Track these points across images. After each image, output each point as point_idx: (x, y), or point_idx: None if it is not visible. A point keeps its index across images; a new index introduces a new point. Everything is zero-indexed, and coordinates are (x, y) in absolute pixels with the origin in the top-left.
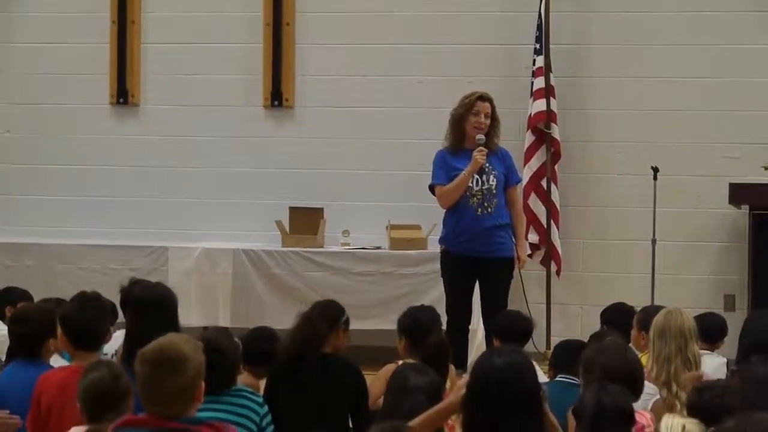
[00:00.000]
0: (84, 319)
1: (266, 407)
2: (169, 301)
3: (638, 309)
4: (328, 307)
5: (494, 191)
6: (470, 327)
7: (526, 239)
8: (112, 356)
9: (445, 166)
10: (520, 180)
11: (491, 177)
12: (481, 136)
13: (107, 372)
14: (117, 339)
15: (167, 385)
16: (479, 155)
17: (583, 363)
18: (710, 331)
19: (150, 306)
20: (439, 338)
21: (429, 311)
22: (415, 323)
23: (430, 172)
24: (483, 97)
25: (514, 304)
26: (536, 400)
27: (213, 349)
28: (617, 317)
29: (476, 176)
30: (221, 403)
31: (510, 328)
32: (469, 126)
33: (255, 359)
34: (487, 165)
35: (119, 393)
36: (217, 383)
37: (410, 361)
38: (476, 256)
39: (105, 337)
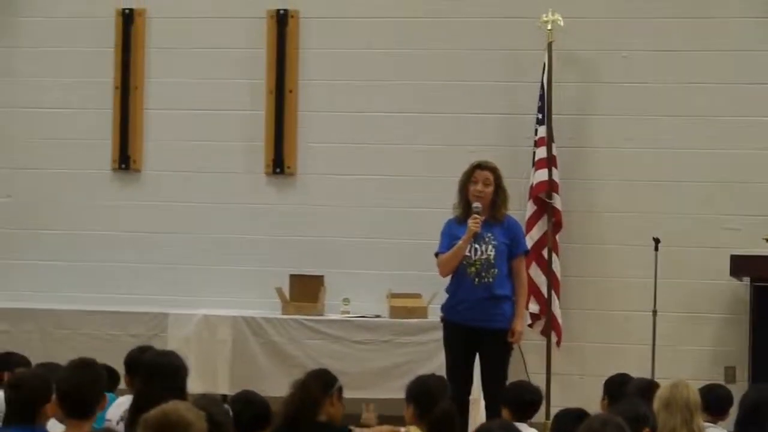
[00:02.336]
0: (78, 387)
1: None
2: (180, 369)
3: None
4: (319, 375)
5: (492, 261)
6: (472, 397)
7: (527, 309)
8: (118, 422)
9: (449, 235)
10: (525, 251)
11: (490, 247)
12: (477, 205)
13: None
14: (121, 405)
15: None
16: (472, 223)
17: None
18: (716, 402)
19: (160, 373)
20: (447, 407)
21: (438, 379)
22: (424, 390)
23: (431, 241)
24: (481, 166)
25: (513, 374)
26: None
27: (209, 420)
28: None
29: (475, 246)
30: None
31: (519, 399)
32: (470, 195)
33: (246, 426)
34: (489, 235)
35: None
36: None
37: (413, 428)
38: (474, 326)
39: (99, 405)
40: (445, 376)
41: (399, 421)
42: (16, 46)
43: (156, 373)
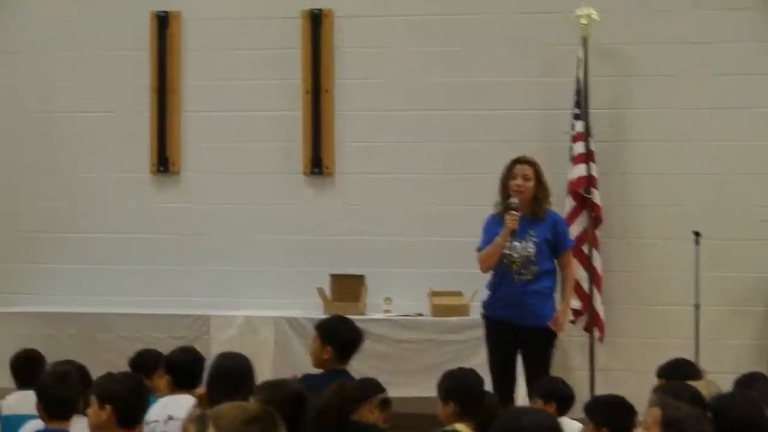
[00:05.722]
0: (60, 392)
1: None
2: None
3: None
4: (365, 380)
5: (533, 258)
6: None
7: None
8: (166, 422)
9: (489, 231)
10: (571, 244)
11: (530, 244)
12: (514, 200)
13: None
14: (166, 405)
15: None
16: (509, 220)
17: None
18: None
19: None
20: (494, 401)
21: (473, 373)
22: (465, 386)
23: (471, 239)
24: (520, 160)
25: (556, 370)
26: None
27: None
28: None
29: (516, 242)
30: None
31: (553, 392)
32: (510, 190)
33: None
34: (530, 231)
35: None
36: None
37: (460, 426)
38: (514, 323)
39: (77, 408)
40: (489, 374)
41: (437, 419)
42: (54, 52)
43: (225, 376)
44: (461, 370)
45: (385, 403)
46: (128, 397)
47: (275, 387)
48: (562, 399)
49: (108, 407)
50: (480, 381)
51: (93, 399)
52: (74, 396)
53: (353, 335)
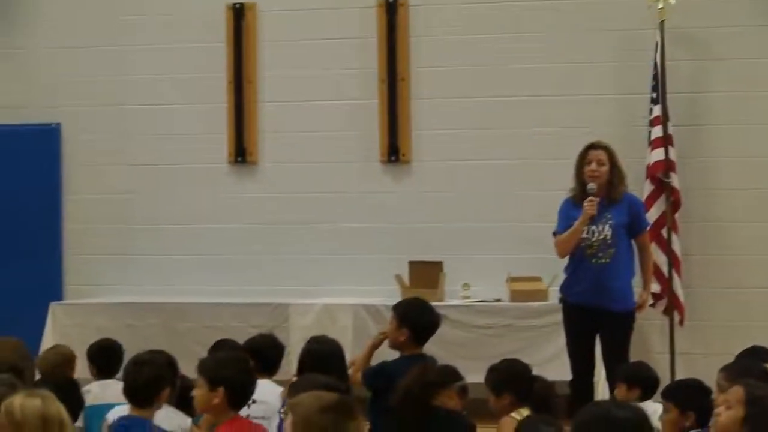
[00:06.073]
0: (139, 381)
1: None
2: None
3: None
4: (444, 367)
5: (609, 241)
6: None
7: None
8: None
9: (566, 216)
10: (647, 225)
11: (607, 227)
12: (592, 186)
13: None
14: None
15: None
16: (588, 206)
17: None
18: None
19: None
20: (545, 384)
21: (520, 362)
22: (518, 375)
23: (548, 224)
24: (594, 146)
25: (635, 354)
26: None
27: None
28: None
29: (592, 227)
30: None
31: (638, 377)
32: (585, 175)
33: None
34: (607, 214)
35: None
36: None
37: (523, 410)
38: (592, 307)
39: (161, 396)
40: (568, 358)
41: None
42: (130, 45)
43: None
44: (506, 361)
45: (463, 390)
46: (240, 378)
47: (310, 382)
48: (647, 383)
49: (220, 389)
50: (528, 368)
51: (201, 382)
52: (150, 383)
53: (430, 318)
